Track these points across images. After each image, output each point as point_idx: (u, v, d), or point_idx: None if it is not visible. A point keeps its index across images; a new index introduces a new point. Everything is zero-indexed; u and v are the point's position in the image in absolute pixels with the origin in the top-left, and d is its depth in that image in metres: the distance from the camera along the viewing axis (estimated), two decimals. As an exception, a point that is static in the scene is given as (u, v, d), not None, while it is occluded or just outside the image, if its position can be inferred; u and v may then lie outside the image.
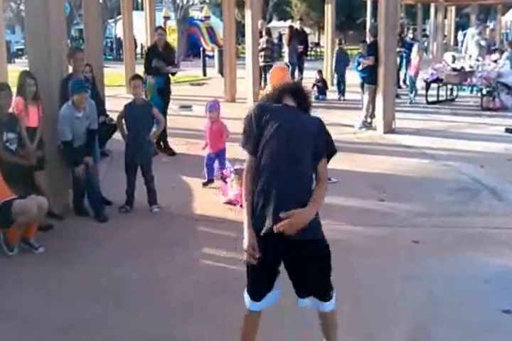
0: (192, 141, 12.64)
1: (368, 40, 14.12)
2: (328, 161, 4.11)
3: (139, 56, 30.86)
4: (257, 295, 4.22)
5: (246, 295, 4.29)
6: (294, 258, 4.09)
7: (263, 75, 21.05)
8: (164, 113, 10.86)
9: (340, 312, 4.71)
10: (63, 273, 6.38)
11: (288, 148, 3.97)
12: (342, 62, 19.80)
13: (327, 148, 4.07)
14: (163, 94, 11.75)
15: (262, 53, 19.93)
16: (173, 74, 12.50)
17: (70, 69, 8.58)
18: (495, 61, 18.10)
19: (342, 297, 4.59)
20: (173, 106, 17.26)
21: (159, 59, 11.80)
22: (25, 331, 5.25)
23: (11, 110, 7.64)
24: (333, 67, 20.32)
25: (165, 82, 11.88)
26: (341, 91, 19.23)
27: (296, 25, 20.92)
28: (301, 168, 3.99)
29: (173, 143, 12.21)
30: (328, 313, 4.26)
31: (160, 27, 14.23)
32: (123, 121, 8.43)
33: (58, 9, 8.14)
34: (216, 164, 9.51)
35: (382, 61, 13.05)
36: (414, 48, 18.79)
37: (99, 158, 8.76)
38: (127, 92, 16.71)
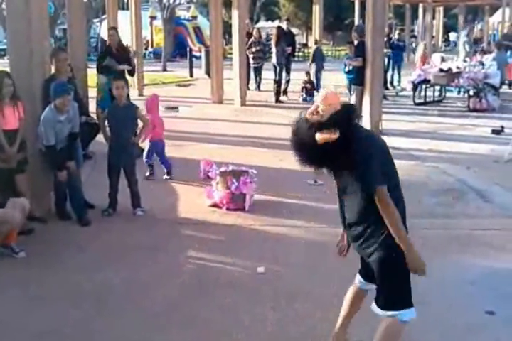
0: (176, 143, 12.56)
1: (355, 40, 14.01)
2: None
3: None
4: None
5: (409, 310, 4.27)
6: None
7: (253, 76, 21.09)
8: None
9: (328, 315, 4.70)
10: (44, 278, 6.29)
11: None
12: (320, 60, 20.53)
13: None
14: None
15: (254, 55, 19.94)
16: (131, 74, 12.34)
17: (53, 70, 8.49)
18: (481, 63, 18.09)
19: (331, 299, 4.54)
20: (160, 108, 17.25)
21: (112, 58, 11.68)
22: (0, 336, 5.17)
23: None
24: (310, 66, 20.67)
25: None
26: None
27: (283, 25, 20.88)
28: None
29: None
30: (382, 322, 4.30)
31: (112, 27, 14.07)
32: (106, 122, 8.32)
33: (40, 8, 8.03)
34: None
35: (369, 62, 12.99)
36: (420, 45, 19.21)
37: (82, 161, 8.64)
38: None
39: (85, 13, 28.97)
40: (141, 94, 19.98)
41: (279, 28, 20.02)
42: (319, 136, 3.95)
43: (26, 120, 7.78)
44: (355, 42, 13.91)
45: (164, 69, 29.82)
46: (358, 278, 4.67)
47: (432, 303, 5.62)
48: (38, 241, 7.27)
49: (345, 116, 4.03)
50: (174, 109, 17.71)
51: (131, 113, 8.25)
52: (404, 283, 4.24)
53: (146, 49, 38.43)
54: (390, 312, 4.22)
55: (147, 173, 9.91)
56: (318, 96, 4.15)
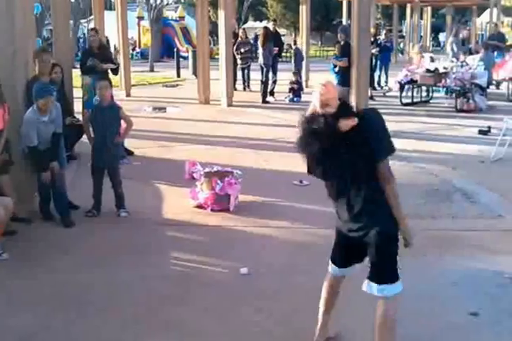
0: (163, 144, 12.55)
1: (341, 41, 13.98)
2: None
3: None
4: None
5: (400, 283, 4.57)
6: None
7: (240, 77, 21.07)
8: None
9: (312, 315, 4.67)
10: (27, 280, 6.24)
11: None
12: (299, 61, 21.16)
13: None
14: None
15: (242, 55, 19.93)
16: (115, 72, 12.27)
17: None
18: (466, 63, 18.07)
19: (315, 300, 4.70)
20: (146, 108, 17.24)
21: (94, 58, 11.62)
22: (-17, 340, 5.13)
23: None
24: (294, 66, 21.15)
25: None
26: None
27: (270, 26, 20.87)
28: None
29: (144, 146, 12.12)
30: (379, 306, 4.50)
31: (92, 28, 14.07)
32: (89, 123, 8.27)
33: (24, 8, 7.99)
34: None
35: (354, 63, 12.96)
36: (416, 47, 20.39)
37: (66, 162, 8.59)
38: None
39: (71, 14, 28.88)
40: (128, 95, 19.95)
41: (265, 28, 20.01)
42: (345, 123, 4.13)
43: (10, 121, 7.73)
44: (342, 43, 13.88)
45: (151, 70, 29.74)
46: (334, 269, 4.80)
47: (415, 304, 5.61)
48: (21, 242, 7.22)
49: (347, 102, 4.34)
50: (161, 109, 17.67)
51: (115, 113, 8.20)
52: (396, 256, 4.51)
53: (133, 49, 38.36)
54: (383, 286, 4.43)
55: None
56: (320, 90, 4.25)
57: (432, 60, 19.34)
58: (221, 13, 17.58)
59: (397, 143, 12.24)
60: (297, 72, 19.95)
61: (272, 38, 19.37)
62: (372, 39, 17.95)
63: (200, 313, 5.52)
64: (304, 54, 22.00)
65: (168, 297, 5.86)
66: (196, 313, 5.51)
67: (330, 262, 4.83)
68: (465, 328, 5.21)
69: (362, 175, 4.28)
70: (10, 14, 7.68)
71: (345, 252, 4.69)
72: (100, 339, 5.15)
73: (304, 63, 21.86)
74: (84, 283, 6.17)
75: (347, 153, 4.19)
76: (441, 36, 50.29)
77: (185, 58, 30.67)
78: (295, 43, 22.35)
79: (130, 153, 11.12)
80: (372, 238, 4.38)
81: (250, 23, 53.16)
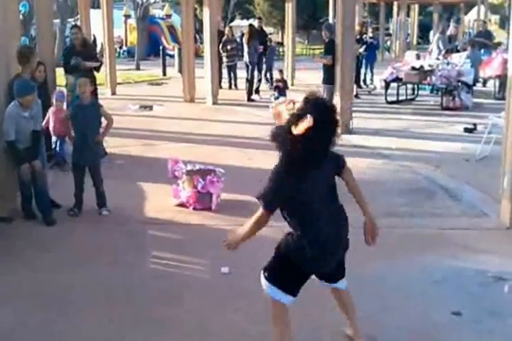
0: (147, 142, 12.50)
1: (326, 38, 13.89)
2: None
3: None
4: None
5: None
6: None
7: (226, 75, 21.05)
8: None
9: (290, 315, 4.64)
10: (7, 278, 6.23)
11: None
12: (271, 59, 21.87)
13: None
14: None
15: (228, 53, 19.90)
16: (97, 69, 12.20)
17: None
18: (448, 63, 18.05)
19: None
20: (131, 106, 17.17)
21: (77, 57, 11.53)
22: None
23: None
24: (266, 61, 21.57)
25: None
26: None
27: (255, 24, 20.84)
28: None
29: (128, 144, 12.06)
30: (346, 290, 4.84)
31: (75, 25, 13.96)
32: (69, 122, 8.23)
33: (6, 7, 7.92)
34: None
35: (338, 60, 12.89)
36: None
37: (46, 160, 8.55)
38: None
39: (59, 12, 28.70)
40: (114, 93, 19.87)
41: (250, 26, 20.00)
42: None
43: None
44: (326, 40, 13.80)
45: (138, 68, 29.62)
46: (290, 300, 4.55)
47: (398, 303, 5.59)
48: (2, 240, 7.20)
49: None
50: (147, 108, 17.59)
51: (95, 111, 8.15)
52: None
53: (120, 47, 38.19)
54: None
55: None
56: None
57: (418, 57, 19.33)
58: (206, 11, 17.55)
59: (381, 141, 12.39)
60: (269, 70, 20.58)
61: (257, 36, 19.34)
62: (358, 37, 17.91)
63: (181, 312, 5.49)
64: (276, 53, 22.56)
65: (149, 296, 5.82)
66: (177, 312, 5.48)
67: (284, 294, 4.53)
68: (446, 327, 5.20)
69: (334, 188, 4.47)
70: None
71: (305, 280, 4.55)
72: (80, 338, 5.13)
73: (274, 63, 22.24)
74: (64, 281, 6.14)
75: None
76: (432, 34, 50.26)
77: (172, 56, 30.54)
78: (270, 41, 22.59)
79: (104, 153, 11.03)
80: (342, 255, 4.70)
81: (237, 22, 52.95)
